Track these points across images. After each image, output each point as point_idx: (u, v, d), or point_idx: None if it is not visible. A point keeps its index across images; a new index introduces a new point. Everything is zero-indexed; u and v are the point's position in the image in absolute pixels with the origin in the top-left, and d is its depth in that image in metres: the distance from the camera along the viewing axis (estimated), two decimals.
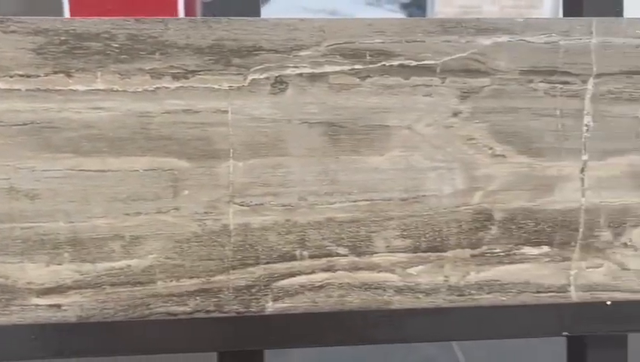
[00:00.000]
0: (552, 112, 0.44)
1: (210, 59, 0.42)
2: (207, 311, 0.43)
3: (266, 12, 3.83)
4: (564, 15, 0.49)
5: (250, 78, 0.42)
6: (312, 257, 0.44)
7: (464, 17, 0.40)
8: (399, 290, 0.45)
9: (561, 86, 0.44)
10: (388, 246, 0.44)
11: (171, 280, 0.43)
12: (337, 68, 0.42)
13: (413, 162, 0.44)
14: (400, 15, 3.81)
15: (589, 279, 0.46)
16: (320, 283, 0.44)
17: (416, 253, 0.44)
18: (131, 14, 0.43)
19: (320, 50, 0.42)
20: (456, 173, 0.44)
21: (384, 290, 0.45)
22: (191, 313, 0.43)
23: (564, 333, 0.46)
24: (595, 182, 0.45)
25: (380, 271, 0.44)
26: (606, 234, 0.45)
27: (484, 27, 0.43)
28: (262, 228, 0.43)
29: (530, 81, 0.43)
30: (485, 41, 0.43)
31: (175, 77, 0.41)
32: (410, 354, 1.48)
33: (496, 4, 3.73)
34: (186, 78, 0.42)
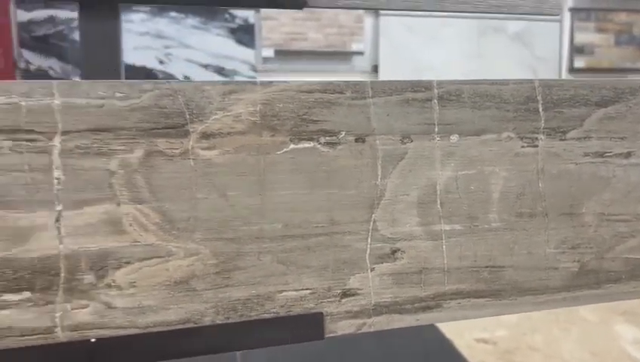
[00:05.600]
0: (20, 168, 0.47)
1: None
2: None
3: None
4: None
5: None
6: None
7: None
8: None
9: (26, 143, 0.47)
10: None
11: None
12: None
13: None
14: (230, 40, 3.87)
15: (75, 319, 0.49)
16: None
17: None
18: None
19: None
20: None
21: None
22: None
23: None
24: (72, 229, 0.49)
25: None
26: (89, 277, 0.49)
27: None
28: None
29: None
30: None
31: None
32: None
33: (321, 32, 3.93)
34: None
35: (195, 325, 0.52)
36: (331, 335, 0.56)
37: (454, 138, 0.57)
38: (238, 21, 3.90)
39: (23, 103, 0.47)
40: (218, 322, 0.53)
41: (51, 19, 3.69)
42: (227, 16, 3.90)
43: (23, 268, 0.48)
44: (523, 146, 0.59)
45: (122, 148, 0.49)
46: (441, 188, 0.57)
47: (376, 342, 1.98)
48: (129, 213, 0.50)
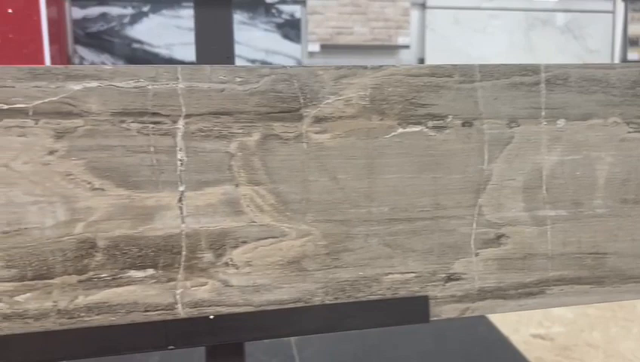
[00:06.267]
0: (146, 149, 0.49)
1: None
2: None
3: (139, 30, 3.80)
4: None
5: None
6: None
7: (51, 67, 0.44)
8: (7, 317, 0.48)
9: (152, 125, 0.49)
10: None
11: None
12: None
13: (13, 197, 0.47)
14: (276, 35, 3.90)
15: (194, 296, 0.51)
16: None
17: (22, 281, 0.48)
18: None
19: None
20: (57, 206, 0.48)
21: None
22: None
23: (170, 347, 0.51)
24: (193, 209, 0.50)
25: None
26: (208, 256, 0.51)
27: (73, 74, 0.47)
28: None
29: (123, 122, 0.48)
30: (75, 86, 0.47)
31: None
32: None
33: (367, 26, 3.91)
34: None
35: (306, 304, 0.53)
36: (435, 318, 0.56)
37: (561, 122, 0.57)
38: (285, 16, 3.92)
39: (150, 87, 0.49)
40: (327, 302, 0.54)
41: (104, 16, 3.78)
42: (274, 11, 3.92)
43: (148, 246, 0.50)
44: (629, 132, 0.58)
45: (241, 131, 0.51)
46: (546, 174, 0.57)
47: (431, 337, 1.97)
48: (246, 194, 0.51)
